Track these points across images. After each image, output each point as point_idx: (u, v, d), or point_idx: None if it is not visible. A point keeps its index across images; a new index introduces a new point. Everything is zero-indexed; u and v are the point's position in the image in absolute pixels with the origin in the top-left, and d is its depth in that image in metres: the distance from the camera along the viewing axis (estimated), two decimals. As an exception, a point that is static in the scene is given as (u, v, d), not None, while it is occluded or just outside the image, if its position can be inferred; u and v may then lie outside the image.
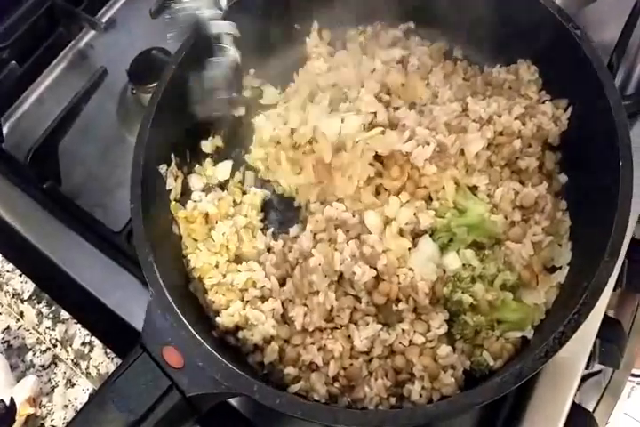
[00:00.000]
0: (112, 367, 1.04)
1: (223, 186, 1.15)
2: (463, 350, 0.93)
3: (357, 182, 1.02)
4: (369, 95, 1.08)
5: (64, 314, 1.11)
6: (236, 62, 1.09)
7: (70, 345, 1.08)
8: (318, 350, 0.93)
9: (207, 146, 1.17)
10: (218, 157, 1.17)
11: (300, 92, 1.17)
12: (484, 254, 0.97)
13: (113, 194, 1.26)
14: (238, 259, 1.05)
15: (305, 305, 0.96)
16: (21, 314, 1.13)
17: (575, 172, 1.02)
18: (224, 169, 1.15)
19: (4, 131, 1.37)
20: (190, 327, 0.85)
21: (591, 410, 1.09)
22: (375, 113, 1.06)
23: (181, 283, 1.00)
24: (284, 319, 0.97)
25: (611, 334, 1.02)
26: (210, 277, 1.01)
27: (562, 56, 1.02)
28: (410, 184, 1.02)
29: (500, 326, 0.93)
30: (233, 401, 1.01)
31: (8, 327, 1.15)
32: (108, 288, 1.12)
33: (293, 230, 1.07)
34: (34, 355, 1.11)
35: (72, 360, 1.08)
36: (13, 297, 1.14)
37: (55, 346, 1.09)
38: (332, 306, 0.94)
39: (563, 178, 1.04)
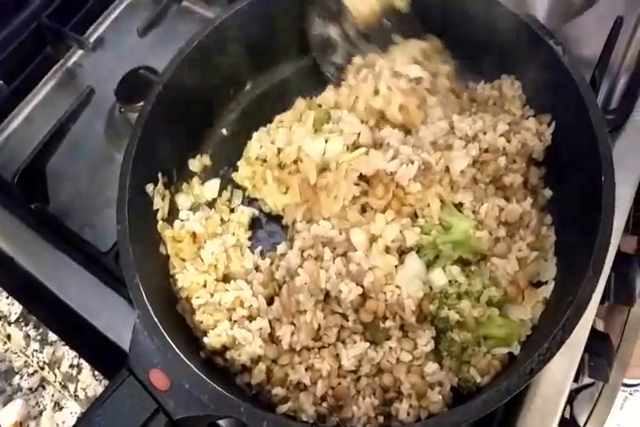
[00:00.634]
0: (100, 390, 1.04)
1: (211, 204, 1.15)
2: (450, 367, 0.93)
3: (343, 202, 1.02)
4: (351, 116, 1.08)
5: (52, 336, 1.10)
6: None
7: (58, 368, 1.08)
8: (306, 369, 0.93)
9: (195, 164, 1.17)
10: (205, 175, 1.18)
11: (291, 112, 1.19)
12: (470, 270, 0.97)
13: (101, 213, 1.26)
14: (226, 278, 1.05)
15: (292, 324, 0.96)
16: (8, 337, 1.13)
17: (559, 186, 1.03)
18: (212, 187, 1.16)
19: (-8, 150, 1.37)
20: (177, 349, 0.85)
21: (584, 422, 1.09)
22: (359, 133, 1.07)
23: (168, 304, 1.00)
24: (272, 339, 0.97)
25: (599, 347, 1.02)
26: (197, 297, 1.01)
27: (544, 72, 1.03)
28: (395, 202, 1.02)
29: (486, 342, 0.93)
30: (222, 422, 1.00)
31: (-5, 350, 1.14)
32: (96, 309, 1.12)
33: (281, 248, 1.07)
34: (21, 378, 1.11)
35: (60, 383, 1.07)
36: (0, 319, 1.13)
37: (43, 369, 1.09)
38: (319, 325, 0.94)
39: (547, 193, 1.04)
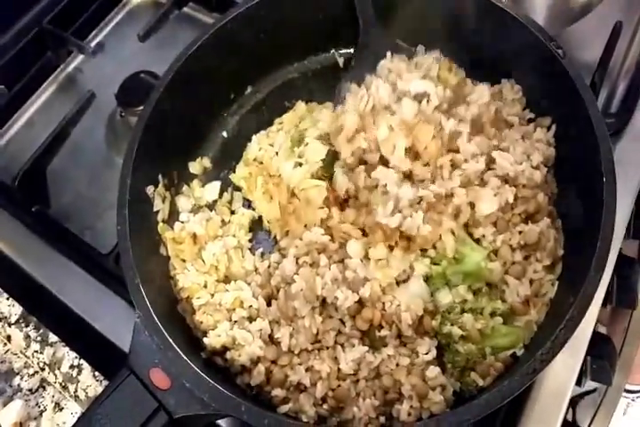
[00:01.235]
0: (100, 390, 1.03)
1: (211, 206, 1.15)
2: (453, 373, 0.92)
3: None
4: (316, 143, 1.07)
5: (52, 337, 1.10)
6: None
7: (59, 368, 1.08)
8: (306, 370, 0.92)
9: (195, 167, 1.17)
10: (206, 178, 1.18)
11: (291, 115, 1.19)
12: (479, 290, 0.95)
13: (102, 216, 1.26)
14: (227, 279, 1.05)
15: (291, 326, 0.95)
16: (9, 338, 1.13)
17: (560, 189, 1.03)
18: (212, 190, 1.16)
19: (-7, 154, 1.37)
20: (177, 349, 0.85)
21: (584, 427, 1.09)
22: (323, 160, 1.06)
23: (169, 304, 0.99)
24: (272, 340, 0.96)
25: (601, 350, 1.02)
26: (198, 298, 1.01)
27: (545, 75, 1.03)
28: (402, 242, 0.97)
29: (491, 352, 0.91)
30: (222, 422, 1.00)
31: (-5, 351, 1.14)
32: (96, 310, 1.12)
33: (274, 257, 1.06)
34: (21, 379, 1.10)
35: (60, 384, 1.07)
36: (0, 321, 1.13)
37: (43, 369, 1.09)
38: (317, 329, 0.94)
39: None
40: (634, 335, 1.18)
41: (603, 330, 1.15)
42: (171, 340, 0.86)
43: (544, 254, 0.96)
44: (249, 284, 1.02)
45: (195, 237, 1.07)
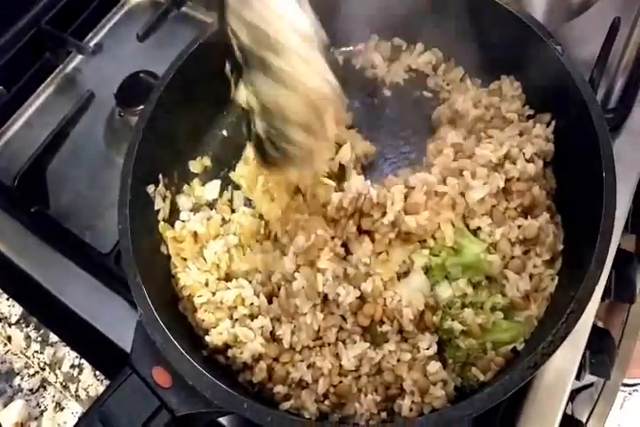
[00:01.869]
0: (102, 390, 1.04)
1: (211, 205, 1.15)
2: (454, 368, 0.93)
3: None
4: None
5: (53, 337, 1.10)
6: None
7: (59, 368, 1.08)
8: (307, 367, 0.92)
9: (195, 166, 1.17)
10: (206, 176, 1.18)
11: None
12: (478, 283, 0.95)
13: (102, 216, 1.25)
14: (228, 277, 1.05)
15: (292, 323, 0.96)
16: (9, 338, 1.13)
17: (560, 184, 1.03)
18: (212, 188, 1.16)
19: (-8, 155, 1.37)
20: (179, 347, 0.85)
21: (584, 421, 1.09)
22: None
23: (170, 303, 1.00)
24: (273, 337, 0.96)
25: (600, 344, 1.02)
26: (199, 296, 1.01)
27: (543, 72, 1.04)
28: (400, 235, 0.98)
29: (492, 346, 0.92)
30: (224, 420, 1.00)
31: (-5, 352, 1.14)
32: (96, 310, 1.12)
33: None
34: (22, 379, 1.10)
35: (61, 383, 1.07)
36: (1, 321, 1.13)
37: (44, 369, 1.09)
38: (319, 326, 0.94)
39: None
40: (632, 329, 1.19)
41: (600, 324, 1.15)
42: (172, 338, 0.85)
43: (543, 249, 0.96)
44: (250, 282, 1.01)
45: (195, 235, 1.07)
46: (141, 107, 1.10)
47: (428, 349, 0.92)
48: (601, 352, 1.01)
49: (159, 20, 1.44)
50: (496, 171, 1.00)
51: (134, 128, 1.04)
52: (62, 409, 1.07)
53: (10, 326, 1.13)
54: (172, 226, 1.08)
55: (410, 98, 1.22)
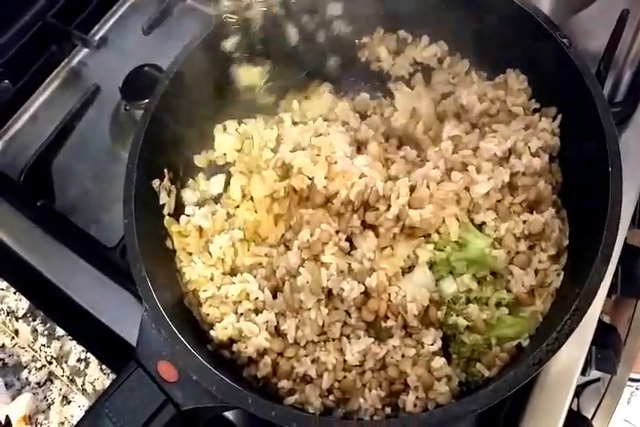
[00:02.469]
0: (108, 383, 1.04)
1: (217, 199, 1.15)
2: (459, 364, 0.92)
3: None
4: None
5: (59, 331, 1.11)
6: None
7: (66, 362, 1.08)
8: (312, 362, 0.92)
9: (200, 160, 1.17)
10: (211, 171, 1.17)
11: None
12: (483, 278, 0.95)
13: (107, 210, 1.26)
14: (233, 271, 1.05)
15: (297, 318, 0.96)
16: (16, 332, 1.13)
17: (565, 179, 1.02)
18: (217, 183, 1.16)
19: (-2, 149, 1.38)
20: (184, 341, 0.85)
21: (590, 417, 1.09)
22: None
23: (175, 297, 1.00)
24: (278, 332, 0.96)
25: (606, 339, 1.02)
26: (204, 290, 1.01)
27: (550, 65, 1.03)
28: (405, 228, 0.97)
29: (497, 342, 0.92)
30: (229, 414, 1.00)
31: (3, 345, 1.15)
32: (102, 304, 1.12)
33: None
34: (29, 373, 1.11)
35: (68, 377, 1.08)
36: (8, 315, 1.14)
37: (51, 363, 1.09)
38: (323, 321, 0.94)
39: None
40: (639, 325, 1.18)
41: (607, 320, 1.15)
42: (177, 333, 0.86)
43: (549, 244, 0.96)
44: (255, 276, 1.02)
45: (201, 230, 1.07)
46: (147, 100, 1.09)
47: (432, 344, 0.92)
48: (607, 348, 1.00)
49: (164, 14, 1.45)
50: (501, 165, 0.99)
51: (139, 122, 1.04)
52: (69, 403, 1.08)
53: (17, 320, 1.13)
54: (178, 220, 1.08)
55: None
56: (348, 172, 1.01)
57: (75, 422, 1.05)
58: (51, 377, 1.10)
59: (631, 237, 1.09)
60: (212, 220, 1.08)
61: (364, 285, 0.94)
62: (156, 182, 1.05)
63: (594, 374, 1.04)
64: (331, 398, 0.90)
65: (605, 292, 1.00)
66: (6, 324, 1.14)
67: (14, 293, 1.16)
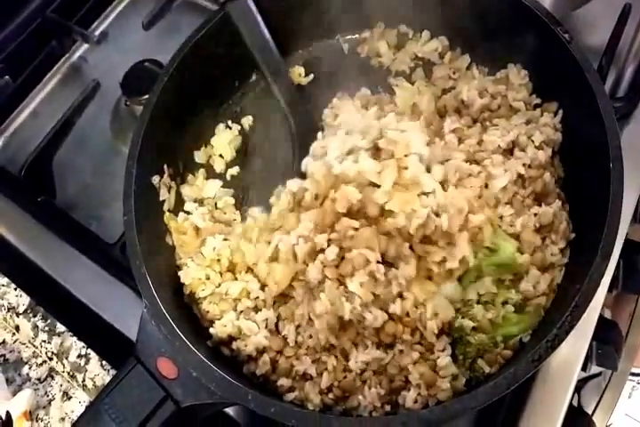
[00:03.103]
0: (108, 379, 1.04)
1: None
2: (464, 363, 0.90)
3: None
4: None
5: (60, 327, 1.11)
6: None
7: (66, 358, 1.08)
8: (312, 362, 0.92)
9: (201, 156, 1.17)
10: (211, 171, 1.17)
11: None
12: (502, 281, 0.93)
13: (108, 206, 1.26)
14: (232, 266, 1.04)
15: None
16: (17, 328, 1.13)
17: (567, 174, 1.02)
18: (212, 187, 1.14)
19: (-1, 145, 1.37)
20: (184, 338, 0.85)
21: (591, 411, 1.09)
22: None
23: (175, 293, 0.99)
24: (277, 330, 0.96)
25: (607, 335, 1.01)
26: (203, 289, 1.00)
27: (551, 60, 1.02)
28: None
29: (502, 340, 0.90)
30: (230, 411, 1.00)
31: (4, 341, 1.15)
32: (103, 300, 1.12)
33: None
34: (30, 368, 1.11)
35: (68, 373, 1.08)
36: (9, 311, 1.14)
37: (51, 359, 1.10)
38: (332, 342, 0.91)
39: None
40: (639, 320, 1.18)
41: (608, 315, 1.15)
42: (177, 329, 0.86)
43: (558, 237, 0.95)
44: (255, 276, 1.00)
45: (197, 229, 1.06)
46: (147, 96, 1.09)
47: (443, 350, 0.89)
48: (607, 343, 1.00)
49: (164, 9, 1.44)
50: (507, 159, 0.99)
51: (139, 118, 1.04)
52: (70, 398, 1.08)
53: (18, 316, 1.14)
54: (178, 216, 1.08)
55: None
56: (419, 183, 0.91)
57: (75, 418, 1.05)
58: (51, 373, 1.10)
59: (632, 232, 1.09)
60: (207, 220, 1.07)
61: (388, 313, 0.89)
62: (155, 179, 1.05)
63: (595, 369, 1.04)
64: (330, 395, 0.90)
65: (606, 287, 1.00)
66: (7, 320, 1.15)
67: (15, 289, 1.16)
